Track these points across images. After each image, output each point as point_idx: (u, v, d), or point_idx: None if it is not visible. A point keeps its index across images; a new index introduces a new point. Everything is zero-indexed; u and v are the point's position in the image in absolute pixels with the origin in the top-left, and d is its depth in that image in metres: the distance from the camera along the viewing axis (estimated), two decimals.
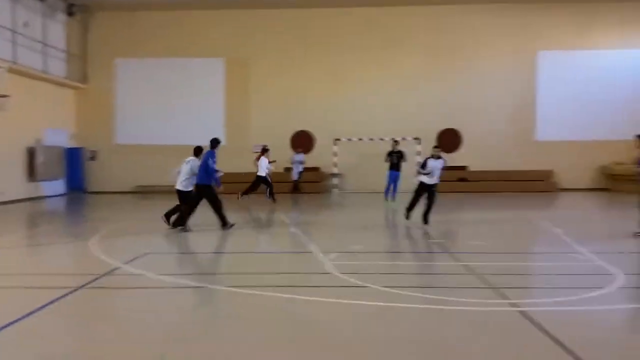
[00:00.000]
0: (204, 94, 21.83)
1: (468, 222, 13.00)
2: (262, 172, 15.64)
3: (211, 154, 10.36)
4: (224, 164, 21.08)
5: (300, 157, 19.85)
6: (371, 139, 20.08)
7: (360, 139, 20.28)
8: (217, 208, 10.45)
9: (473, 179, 20.22)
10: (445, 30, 20.97)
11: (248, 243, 9.86)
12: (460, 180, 19.96)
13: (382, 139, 20.18)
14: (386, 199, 16.02)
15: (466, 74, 21.03)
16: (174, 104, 21.87)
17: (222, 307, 5.71)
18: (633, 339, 4.70)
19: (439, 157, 10.72)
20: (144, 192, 21.64)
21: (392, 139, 16.96)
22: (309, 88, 21.38)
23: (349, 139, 20.11)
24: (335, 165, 20.70)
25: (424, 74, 21.04)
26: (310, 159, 21.40)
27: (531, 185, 20.20)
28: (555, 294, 6.05)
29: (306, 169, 21.25)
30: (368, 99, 21.06)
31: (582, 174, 20.88)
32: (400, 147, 16.00)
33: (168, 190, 21.40)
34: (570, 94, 20.69)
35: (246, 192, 15.69)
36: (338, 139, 20.37)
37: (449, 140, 20.49)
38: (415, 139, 20.69)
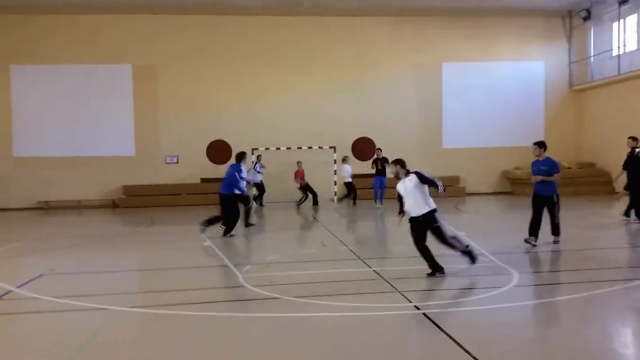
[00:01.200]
0: (111, 102, 20.83)
1: (380, 228, 13.37)
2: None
3: (237, 167, 11.52)
4: (133, 176, 20.50)
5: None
6: (288, 148, 20.13)
7: (277, 148, 20.26)
8: (232, 218, 11.21)
9: (386, 186, 20.85)
10: (357, 41, 21.54)
11: (157, 259, 9.48)
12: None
13: (299, 148, 20.31)
14: (375, 202, 17.27)
15: (377, 84, 21.71)
16: (78, 113, 20.67)
17: (123, 330, 5.42)
18: (525, 334, 5.01)
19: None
20: (47, 208, 20.23)
21: (377, 148, 18.25)
22: (222, 96, 21.07)
23: (267, 148, 20.02)
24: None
25: (337, 84, 21.46)
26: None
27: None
28: (457, 295, 6.34)
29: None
30: (284, 108, 21.12)
31: (486, 179, 22.22)
32: (383, 154, 17.44)
33: (75, 206, 20.36)
34: (472, 104, 21.98)
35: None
36: (255, 148, 20.20)
37: (362, 148, 20.96)
38: (331, 147, 21.03)
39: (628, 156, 12.12)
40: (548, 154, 9.95)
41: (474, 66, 22.15)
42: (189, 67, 21.00)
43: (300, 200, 18.76)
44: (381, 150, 17.89)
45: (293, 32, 21.33)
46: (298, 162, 18.90)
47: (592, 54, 22.15)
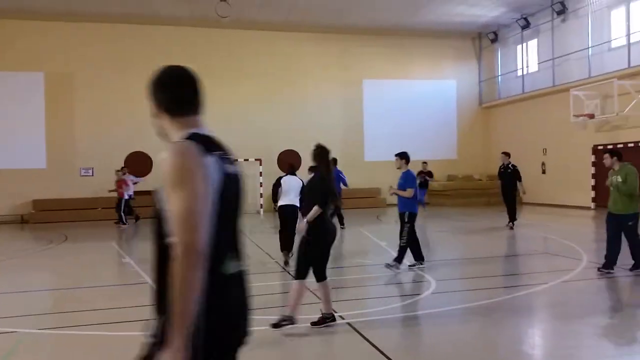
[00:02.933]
0: (20, 112, 19.54)
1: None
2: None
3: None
4: (44, 190, 19.26)
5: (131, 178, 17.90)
6: None
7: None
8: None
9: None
10: (281, 56, 21.77)
11: (71, 277, 8.99)
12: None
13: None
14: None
15: (302, 98, 22.03)
16: None
17: (35, 353, 5.11)
18: (440, 340, 5.30)
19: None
20: None
21: (423, 162, 18.47)
22: (143, 107, 20.14)
23: None
24: None
25: (263, 97, 21.52)
26: (149, 183, 20.39)
27: (362, 201, 21.80)
28: (379, 303, 6.57)
29: (143, 193, 20.16)
30: (209, 120, 20.48)
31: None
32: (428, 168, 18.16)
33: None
34: (392, 118, 22.88)
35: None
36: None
37: (290, 160, 21.07)
38: (257, 159, 21.01)
39: (500, 170, 13.95)
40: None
41: (392, 83, 23.09)
42: (108, 77, 20.19)
43: (121, 219, 16.73)
44: (426, 164, 18.38)
45: (220, 44, 21.19)
46: (117, 171, 17.40)
47: (499, 73, 23.83)
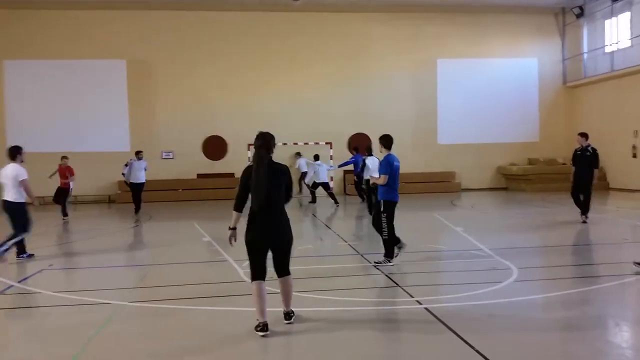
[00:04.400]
0: (106, 98, 20.75)
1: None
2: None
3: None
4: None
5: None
6: (284, 144, 20.13)
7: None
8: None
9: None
10: (352, 37, 21.58)
11: (156, 254, 9.49)
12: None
13: (295, 144, 20.34)
14: None
15: (372, 80, 21.75)
16: (73, 109, 20.58)
17: (127, 324, 5.45)
18: (526, 329, 5.08)
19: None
20: (43, 203, 20.08)
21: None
22: (218, 92, 21.03)
23: None
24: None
25: (333, 80, 21.48)
26: (224, 165, 21.10)
27: (435, 186, 21.33)
28: (458, 290, 6.41)
29: (220, 175, 20.92)
30: (280, 104, 21.10)
31: (482, 175, 22.36)
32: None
33: (71, 201, 20.21)
34: (467, 100, 22.10)
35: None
36: (251, 144, 20.18)
37: (360, 144, 21.03)
38: (327, 143, 21.10)
39: (576, 152, 11.76)
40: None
41: (468, 62, 22.25)
42: (185, 63, 20.95)
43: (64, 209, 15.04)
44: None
45: (289, 28, 21.32)
46: (63, 157, 15.47)
47: (585, 50, 22.30)
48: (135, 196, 15.32)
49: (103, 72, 20.67)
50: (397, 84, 21.91)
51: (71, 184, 15.06)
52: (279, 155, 23.34)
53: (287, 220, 4.99)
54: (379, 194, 7.65)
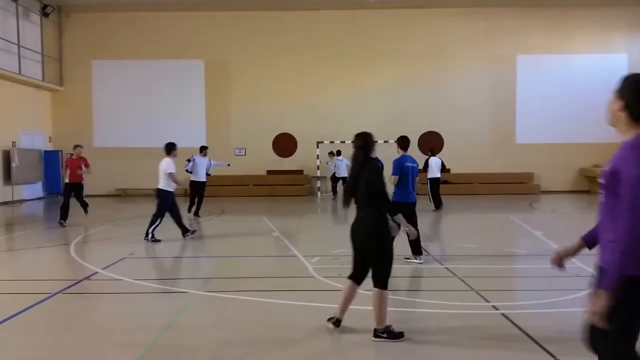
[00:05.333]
0: (183, 96, 21.63)
1: (450, 225, 13.06)
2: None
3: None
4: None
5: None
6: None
7: (342, 142, 20.27)
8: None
9: (455, 182, 20.38)
10: (426, 34, 21.12)
11: (229, 247, 9.74)
12: (443, 183, 20.11)
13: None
14: None
15: (447, 77, 21.19)
16: (153, 106, 21.62)
17: (202, 312, 5.61)
18: None
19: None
20: (124, 195, 21.34)
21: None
22: (289, 90, 21.32)
23: (332, 142, 20.07)
24: (318, 168, 20.65)
25: (405, 78, 21.15)
26: (293, 162, 21.38)
27: (513, 187, 20.46)
28: (538, 296, 6.07)
29: (289, 172, 21.23)
30: (350, 102, 21.08)
31: (562, 177, 21.20)
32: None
33: (149, 194, 21.30)
34: (549, 98, 21.00)
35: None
36: (321, 142, 20.31)
37: (432, 143, 20.61)
38: (396, 141, 20.78)
39: None
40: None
41: (550, 59, 21.14)
42: (257, 62, 21.41)
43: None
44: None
45: (362, 26, 21.21)
46: (76, 147, 12.82)
47: None
48: (195, 195, 13.80)
49: (182, 71, 21.54)
50: (473, 81, 21.20)
51: (85, 177, 12.49)
52: (347, 153, 23.28)
53: (375, 221, 4.54)
54: (392, 195, 7.34)
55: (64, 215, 12.01)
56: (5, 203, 17.91)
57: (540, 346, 4.38)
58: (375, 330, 4.57)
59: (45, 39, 20.85)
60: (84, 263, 7.93)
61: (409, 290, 6.23)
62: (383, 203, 4.57)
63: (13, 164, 18.18)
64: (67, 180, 12.20)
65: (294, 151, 21.57)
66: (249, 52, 21.40)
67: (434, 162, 14.74)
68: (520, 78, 21.28)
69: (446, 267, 7.46)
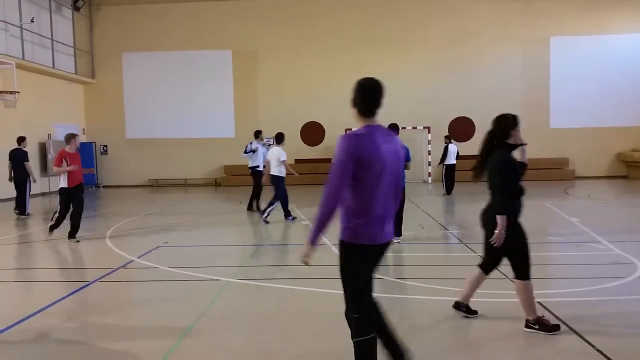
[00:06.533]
0: (212, 86, 21.81)
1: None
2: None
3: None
4: (233, 157, 21.37)
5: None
6: None
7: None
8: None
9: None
10: (456, 19, 20.71)
11: (260, 235, 9.82)
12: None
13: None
14: None
15: (478, 62, 20.77)
16: (182, 97, 21.88)
17: (238, 300, 5.67)
18: None
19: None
20: (156, 185, 21.74)
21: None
22: (316, 79, 21.25)
23: None
24: None
25: (434, 64, 20.82)
26: (321, 151, 21.36)
27: (547, 173, 20.00)
28: (575, 284, 5.93)
29: (317, 161, 21.23)
30: None
31: (598, 162, 20.62)
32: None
33: (181, 184, 21.67)
34: (584, 81, 20.38)
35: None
36: (349, 129, 20.20)
37: (461, 129, 20.33)
38: (425, 127, 20.57)
39: None
40: None
41: (585, 40, 20.48)
42: (284, 51, 21.40)
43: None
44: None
45: (390, 11, 20.95)
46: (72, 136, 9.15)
47: None
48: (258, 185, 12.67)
49: (211, 62, 21.70)
50: (505, 65, 20.73)
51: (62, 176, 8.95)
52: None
53: (493, 209, 4.32)
54: None
55: (60, 221, 9.28)
56: (43, 194, 18.47)
57: (578, 334, 4.27)
58: (526, 320, 4.45)
59: (77, 32, 21.29)
60: (119, 252, 8.11)
61: (444, 279, 6.16)
62: (494, 197, 4.32)
63: (49, 156, 18.70)
64: (66, 184, 8.87)
65: (322, 139, 21.55)
66: (276, 41, 21.39)
67: (452, 149, 15.73)
68: (553, 61, 20.69)
69: (479, 255, 7.34)
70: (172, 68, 21.82)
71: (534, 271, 6.63)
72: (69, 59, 20.81)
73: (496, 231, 4.25)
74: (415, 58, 20.87)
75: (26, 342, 4.45)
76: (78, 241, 9.04)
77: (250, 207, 12.82)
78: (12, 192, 13.21)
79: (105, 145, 22.20)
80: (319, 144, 21.54)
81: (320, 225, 3.07)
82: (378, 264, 3.26)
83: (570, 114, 20.46)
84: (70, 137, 8.97)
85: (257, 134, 13.10)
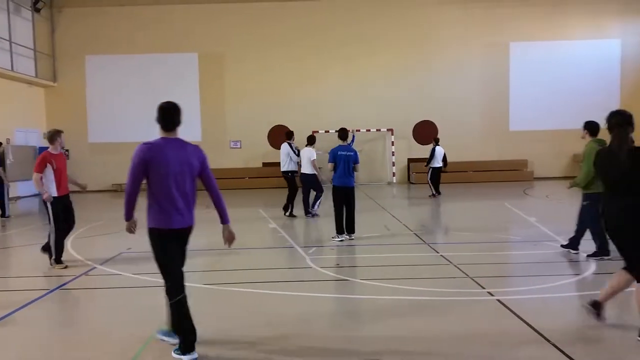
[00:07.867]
0: (178, 89, 21.52)
1: (445, 213, 13.15)
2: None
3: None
4: None
5: None
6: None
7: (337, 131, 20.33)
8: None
9: (449, 170, 20.43)
10: (418, 23, 21.12)
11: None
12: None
13: (358, 131, 20.25)
14: None
15: (439, 66, 21.22)
16: (147, 100, 21.48)
17: (201, 305, 5.65)
18: (607, 324, 4.80)
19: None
20: (120, 190, 21.31)
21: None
22: (283, 82, 21.30)
23: (327, 131, 20.09)
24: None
25: (398, 68, 21.17)
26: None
27: (507, 174, 20.57)
28: (531, 282, 6.15)
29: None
30: (344, 92, 21.10)
31: (556, 163, 21.32)
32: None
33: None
34: (542, 85, 21.08)
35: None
36: (316, 132, 20.32)
37: (424, 131, 20.71)
38: (388, 130, 20.90)
39: None
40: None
41: (543, 45, 21.21)
42: (251, 54, 21.37)
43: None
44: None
45: (355, 14, 21.20)
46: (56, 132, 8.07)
47: None
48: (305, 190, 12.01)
49: (176, 65, 21.47)
50: (466, 70, 21.25)
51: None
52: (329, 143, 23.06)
53: (633, 211, 4.22)
54: (332, 180, 8.87)
55: (60, 251, 7.50)
56: None
57: (535, 330, 4.45)
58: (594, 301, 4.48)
59: (37, 34, 20.71)
60: (81, 259, 7.96)
61: (405, 279, 6.29)
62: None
63: (7, 161, 18.10)
64: (55, 193, 7.39)
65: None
66: (242, 44, 21.34)
67: (439, 151, 15.58)
68: (513, 66, 21.33)
69: (441, 255, 7.54)
70: (137, 71, 21.49)
71: (492, 269, 6.87)
72: (29, 61, 20.24)
73: None
74: (379, 61, 21.17)
75: None
76: (66, 267, 7.30)
77: (291, 213, 12.05)
78: None
79: (67, 150, 21.63)
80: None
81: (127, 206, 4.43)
82: (181, 244, 4.42)
83: (529, 117, 21.11)
84: (54, 135, 7.21)
85: (290, 135, 12.37)
